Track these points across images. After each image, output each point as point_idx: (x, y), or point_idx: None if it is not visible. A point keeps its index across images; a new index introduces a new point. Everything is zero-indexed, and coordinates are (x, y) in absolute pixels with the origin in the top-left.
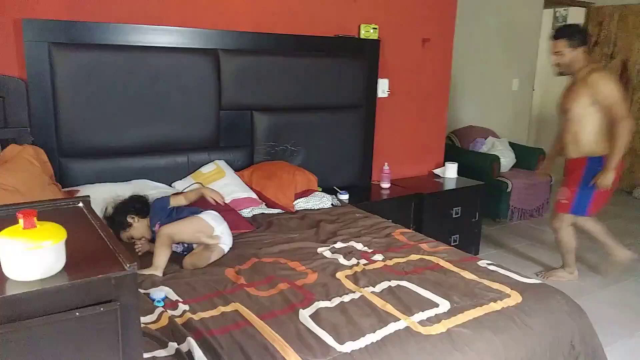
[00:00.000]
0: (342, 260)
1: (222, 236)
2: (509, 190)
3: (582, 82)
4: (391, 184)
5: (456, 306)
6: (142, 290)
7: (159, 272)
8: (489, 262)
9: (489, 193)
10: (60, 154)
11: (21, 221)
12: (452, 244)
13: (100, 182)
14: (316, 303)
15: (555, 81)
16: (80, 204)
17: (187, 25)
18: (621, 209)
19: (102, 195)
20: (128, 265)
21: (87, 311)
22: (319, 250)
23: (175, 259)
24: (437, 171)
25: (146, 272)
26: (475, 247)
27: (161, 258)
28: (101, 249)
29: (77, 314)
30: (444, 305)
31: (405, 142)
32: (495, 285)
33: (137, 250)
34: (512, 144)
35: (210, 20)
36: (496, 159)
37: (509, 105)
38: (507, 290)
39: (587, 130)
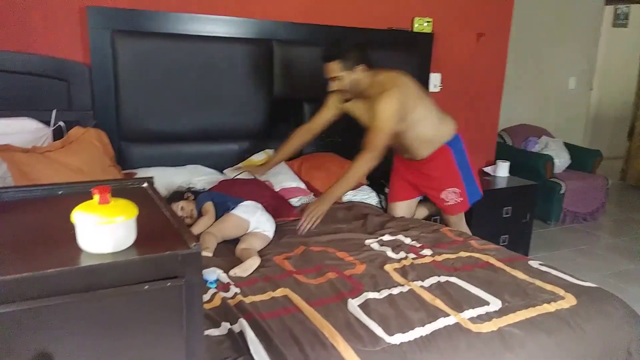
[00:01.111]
0: (390, 253)
1: (260, 224)
2: (562, 192)
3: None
4: None
5: (507, 305)
6: None
7: (209, 253)
8: (541, 262)
9: (541, 194)
10: (120, 137)
11: (97, 197)
12: (501, 244)
13: (156, 166)
14: (365, 294)
15: (615, 81)
16: (145, 184)
17: (243, 15)
18: None
19: (159, 179)
20: (193, 244)
21: (155, 285)
22: (367, 242)
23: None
24: (487, 169)
25: None
26: (524, 249)
27: (210, 242)
28: (166, 228)
29: (146, 287)
30: (495, 304)
31: None
32: (548, 287)
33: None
34: (567, 145)
35: (265, 11)
36: (550, 159)
37: (565, 104)
38: (561, 292)
39: (425, 135)
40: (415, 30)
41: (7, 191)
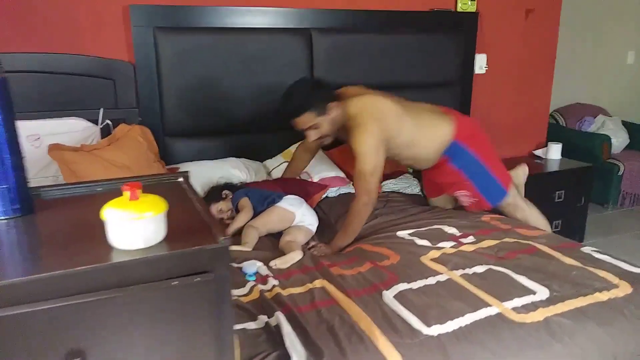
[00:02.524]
0: (426, 243)
1: (304, 217)
2: (620, 173)
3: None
4: None
5: (556, 294)
6: (235, 264)
7: (248, 247)
8: (594, 249)
9: (597, 176)
10: (164, 133)
11: (127, 193)
12: (554, 229)
13: (199, 160)
14: (401, 284)
15: None
16: (181, 179)
17: (281, 5)
18: None
19: (201, 173)
20: (222, 238)
21: (185, 280)
22: (402, 233)
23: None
24: (538, 152)
25: (236, 248)
26: (580, 235)
27: (250, 236)
28: (197, 222)
29: (175, 282)
30: (542, 293)
31: (504, 121)
32: (602, 274)
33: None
34: (625, 123)
35: (303, 0)
36: (607, 139)
37: (623, 80)
38: (615, 280)
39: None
40: (459, 9)
41: (52, 189)
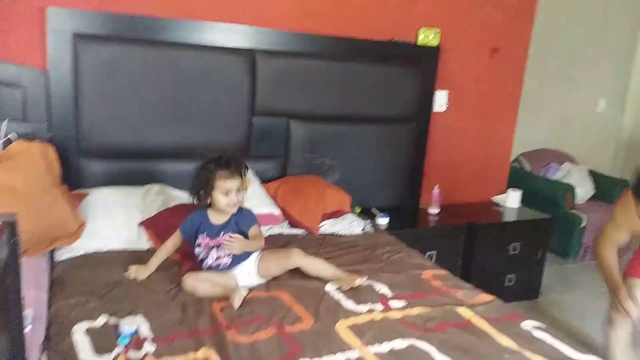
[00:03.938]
0: (351, 304)
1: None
2: (583, 225)
3: None
4: (441, 209)
5: None
6: (112, 319)
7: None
8: (536, 324)
9: (559, 227)
10: (79, 152)
11: None
12: (507, 284)
13: (116, 185)
14: None
15: None
16: None
17: (222, 20)
18: None
19: (114, 200)
20: None
21: None
22: (327, 287)
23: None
24: (497, 198)
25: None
26: (534, 291)
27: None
28: None
29: None
30: None
31: (463, 163)
32: None
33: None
34: (592, 173)
35: (249, 17)
36: (571, 189)
37: (593, 128)
38: None
39: None
40: (420, 42)
41: None
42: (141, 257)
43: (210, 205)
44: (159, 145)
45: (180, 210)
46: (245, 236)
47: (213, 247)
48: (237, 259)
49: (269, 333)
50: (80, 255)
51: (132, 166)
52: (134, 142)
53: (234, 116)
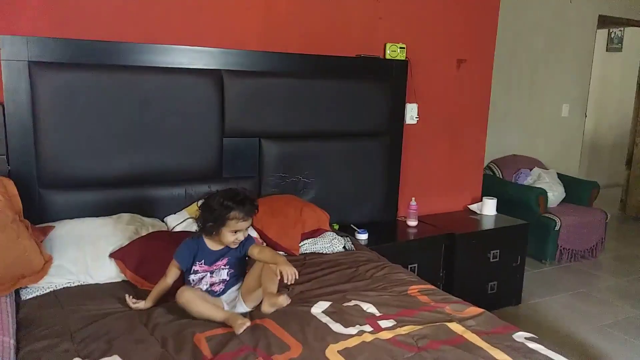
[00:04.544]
0: (338, 327)
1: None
2: (557, 228)
3: None
4: (419, 221)
5: None
6: None
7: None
8: (528, 335)
9: (534, 231)
10: (41, 184)
11: None
12: (490, 291)
13: (84, 217)
14: None
15: (610, 107)
16: None
17: (186, 43)
18: None
19: (82, 231)
20: None
21: None
22: (314, 310)
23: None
24: (473, 207)
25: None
26: (516, 297)
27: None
28: None
29: None
30: None
31: (437, 174)
32: None
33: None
34: (561, 176)
35: (213, 37)
36: (543, 193)
37: (558, 132)
38: None
39: None
40: (387, 57)
41: None
42: (113, 290)
43: (208, 235)
44: (126, 173)
45: (153, 238)
46: (244, 259)
47: (207, 273)
48: (228, 286)
49: None
50: (49, 293)
51: (99, 196)
52: (99, 170)
53: (204, 138)
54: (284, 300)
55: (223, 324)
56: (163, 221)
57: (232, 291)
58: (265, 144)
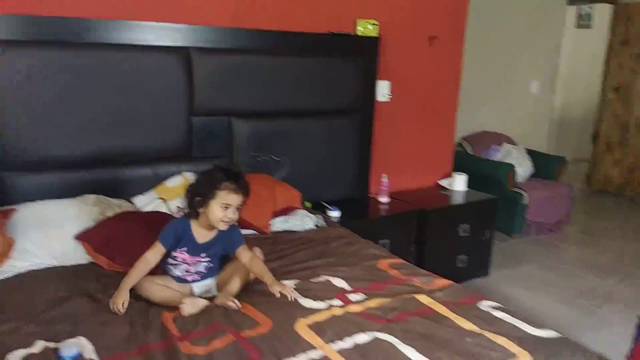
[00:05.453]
0: (308, 302)
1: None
2: (525, 202)
3: None
4: (391, 197)
5: None
6: (52, 344)
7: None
8: (493, 304)
9: (503, 205)
10: (4, 166)
11: None
12: (460, 265)
13: (48, 199)
14: None
15: (579, 83)
16: None
17: (153, 19)
18: None
19: (45, 214)
20: None
21: None
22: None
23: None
24: (443, 183)
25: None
26: (484, 270)
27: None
28: None
29: None
30: None
31: (409, 151)
32: (500, 340)
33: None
34: (530, 152)
35: (181, 13)
36: (511, 168)
37: (528, 109)
38: (514, 347)
39: None
40: (359, 33)
41: None
42: (79, 272)
43: (196, 217)
44: (92, 153)
45: (120, 219)
46: (227, 258)
47: (186, 264)
48: (203, 277)
49: (225, 341)
50: (12, 277)
51: (64, 177)
52: (64, 151)
53: (172, 117)
54: (233, 306)
55: None
56: (130, 202)
57: (206, 282)
58: (237, 123)
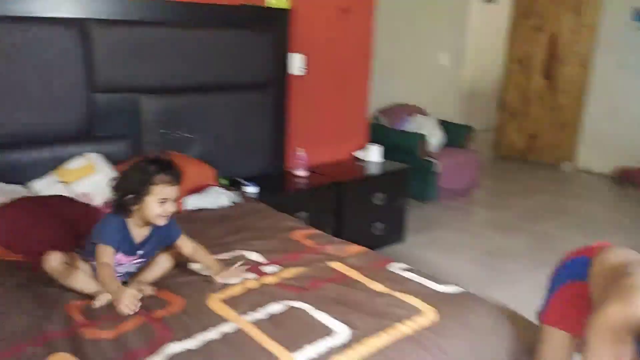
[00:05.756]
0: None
1: None
2: (437, 170)
3: None
4: (308, 171)
5: (357, 333)
6: None
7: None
8: (403, 266)
9: (416, 174)
10: None
11: None
12: (377, 233)
13: None
14: (171, 345)
15: (486, 56)
16: None
17: None
18: (547, 183)
19: None
20: None
21: None
22: (197, 266)
23: None
24: (359, 154)
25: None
26: (400, 236)
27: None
28: None
29: None
30: (342, 333)
31: (325, 124)
32: (408, 298)
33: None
34: (441, 122)
35: None
36: (422, 138)
37: (438, 80)
38: (420, 304)
39: None
40: (268, 5)
41: None
42: None
43: (129, 216)
44: None
45: (15, 206)
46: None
47: (118, 265)
48: (130, 274)
49: (135, 323)
50: None
51: None
52: None
53: (69, 94)
54: (146, 292)
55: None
56: (26, 187)
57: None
58: (144, 100)
